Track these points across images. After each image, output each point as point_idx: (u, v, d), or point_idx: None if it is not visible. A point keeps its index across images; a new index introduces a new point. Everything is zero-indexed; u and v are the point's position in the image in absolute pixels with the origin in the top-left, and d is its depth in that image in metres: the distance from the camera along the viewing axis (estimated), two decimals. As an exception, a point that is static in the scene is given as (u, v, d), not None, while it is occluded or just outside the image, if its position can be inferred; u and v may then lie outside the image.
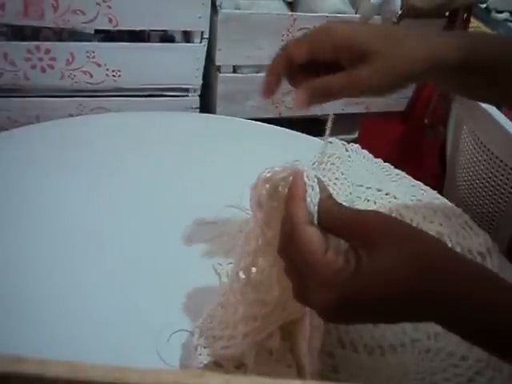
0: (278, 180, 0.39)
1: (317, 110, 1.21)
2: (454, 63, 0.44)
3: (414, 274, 0.32)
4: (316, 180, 0.38)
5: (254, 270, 0.43)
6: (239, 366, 0.46)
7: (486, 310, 0.33)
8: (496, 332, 0.33)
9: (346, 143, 0.76)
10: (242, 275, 0.44)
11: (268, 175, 0.40)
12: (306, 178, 0.38)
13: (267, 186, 0.40)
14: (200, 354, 0.46)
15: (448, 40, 0.45)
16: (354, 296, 0.33)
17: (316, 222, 0.37)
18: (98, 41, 0.99)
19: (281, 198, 0.40)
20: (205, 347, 0.46)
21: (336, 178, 0.68)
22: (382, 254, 0.33)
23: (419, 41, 0.44)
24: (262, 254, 0.43)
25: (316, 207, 0.37)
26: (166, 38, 1.04)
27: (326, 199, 0.38)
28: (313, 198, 0.37)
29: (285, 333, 0.47)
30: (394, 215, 0.66)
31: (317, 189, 0.38)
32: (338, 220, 0.36)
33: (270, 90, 0.47)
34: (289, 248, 0.37)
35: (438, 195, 0.71)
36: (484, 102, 0.55)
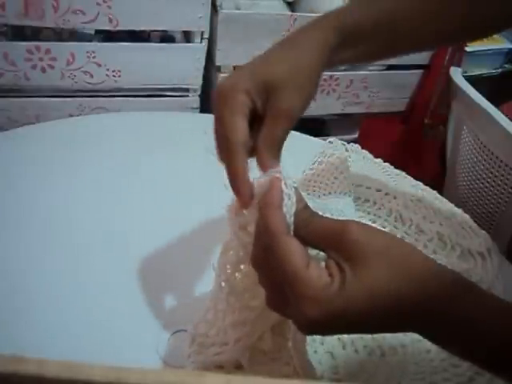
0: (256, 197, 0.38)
1: (317, 110, 1.21)
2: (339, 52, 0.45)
3: (397, 284, 0.32)
4: (293, 189, 0.36)
5: (237, 275, 0.42)
6: (239, 366, 0.46)
7: (470, 318, 0.32)
8: (480, 343, 0.32)
9: (345, 143, 0.76)
10: (223, 285, 0.43)
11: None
12: (283, 186, 0.36)
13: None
14: (193, 362, 0.45)
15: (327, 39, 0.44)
16: (338, 311, 0.32)
17: (292, 233, 0.35)
18: (99, 41, 0.99)
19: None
20: (197, 354, 0.46)
21: (335, 178, 0.68)
22: (364, 267, 0.32)
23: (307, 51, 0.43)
24: (243, 261, 0.41)
25: (292, 218, 0.35)
26: (166, 38, 1.04)
27: (303, 209, 0.36)
28: (289, 208, 0.35)
29: (280, 329, 0.46)
30: (393, 215, 0.66)
31: (293, 199, 0.36)
32: (316, 231, 0.35)
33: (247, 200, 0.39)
34: (265, 260, 0.35)
35: (438, 195, 0.71)
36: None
